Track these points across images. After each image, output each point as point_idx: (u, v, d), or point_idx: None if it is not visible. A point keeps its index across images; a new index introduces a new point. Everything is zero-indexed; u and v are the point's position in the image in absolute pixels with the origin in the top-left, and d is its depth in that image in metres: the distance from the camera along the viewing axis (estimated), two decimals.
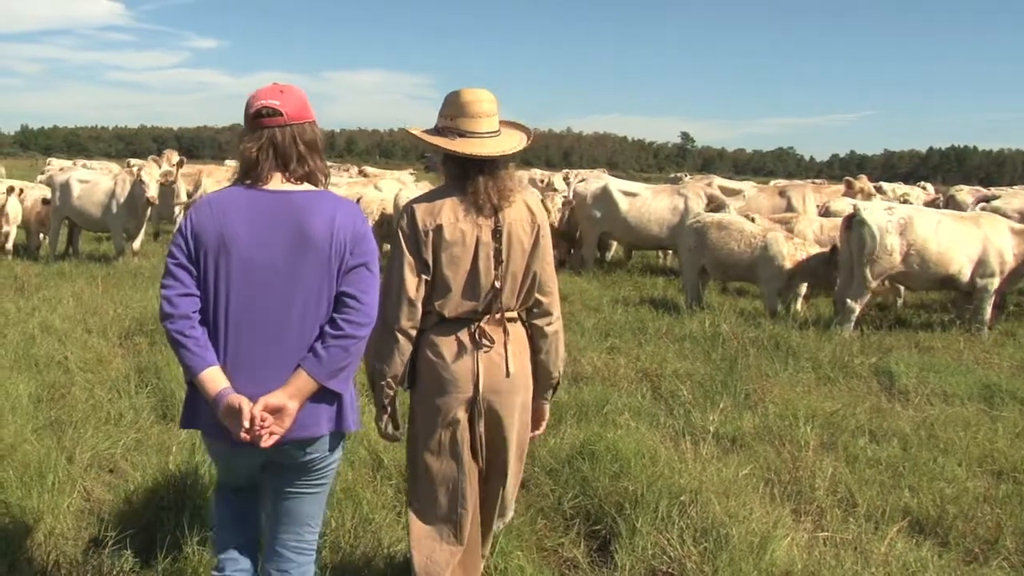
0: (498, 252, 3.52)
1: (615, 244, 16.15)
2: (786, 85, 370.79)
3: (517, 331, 3.68)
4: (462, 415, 3.61)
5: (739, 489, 5.02)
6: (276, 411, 2.94)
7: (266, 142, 3.06)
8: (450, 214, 3.49)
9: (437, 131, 3.56)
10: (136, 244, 14.12)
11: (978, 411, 6.92)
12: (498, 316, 3.59)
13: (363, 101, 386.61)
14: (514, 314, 3.66)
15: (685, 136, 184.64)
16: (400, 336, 3.49)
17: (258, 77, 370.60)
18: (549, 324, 3.73)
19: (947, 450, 5.97)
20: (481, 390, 3.57)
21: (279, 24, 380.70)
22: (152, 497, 4.77)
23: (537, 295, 3.68)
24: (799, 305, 11.35)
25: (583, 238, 14.77)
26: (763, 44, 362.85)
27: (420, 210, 3.51)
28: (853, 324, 9.95)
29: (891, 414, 6.83)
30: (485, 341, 3.57)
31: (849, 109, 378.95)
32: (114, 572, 4.10)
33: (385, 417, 3.69)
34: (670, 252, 15.47)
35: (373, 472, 5.28)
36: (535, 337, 3.74)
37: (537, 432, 3.97)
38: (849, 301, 9.99)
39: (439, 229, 3.47)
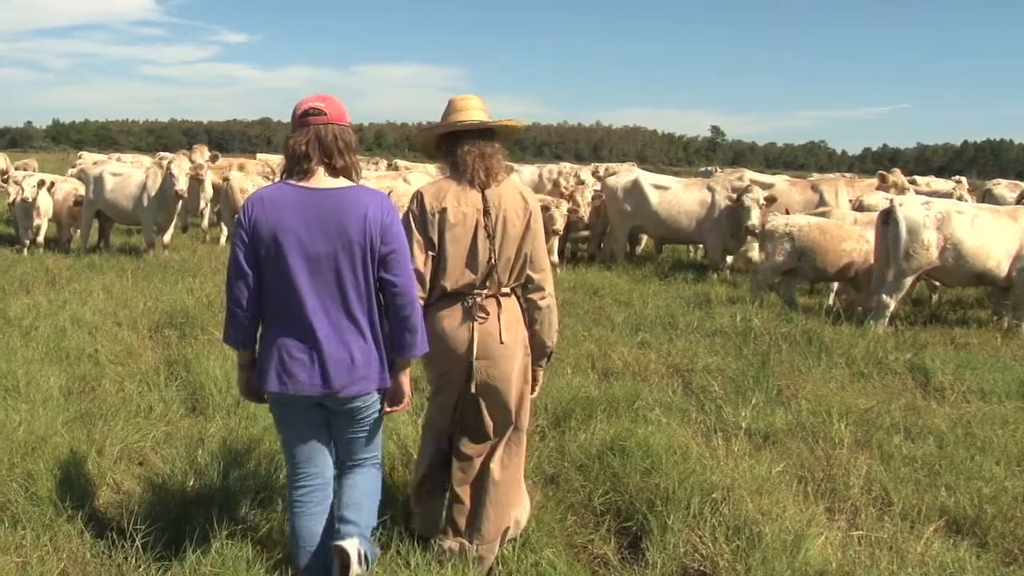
0: (489, 231, 4.06)
1: (645, 238, 16.05)
2: (818, 78, 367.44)
3: (511, 304, 4.19)
4: (459, 380, 4.15)
5: (772, 486, 4.96)
6: (401, 387, 3.85)
7: (313, 137, 3.65)
8: (453, 199, 4.06)
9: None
10: (166, 237, 14.17)
11: (1016, 408, 6.81)
12: (493, 290, 4.11)
13: (393, 95, 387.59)
14: (508, 289, 4.18)
15: (715, 130, 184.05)
16: None
17: (288, 71, 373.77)
18: (542, 299, 4.24)
19: (985, 448, 5.87)
20: (475, 355, 4.07)
21: (309, 18, 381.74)
22: (181, 490, 4.79)
23: (529, 272, 4.19)
24: (831, 300, 11.22)
25: (613, 232, 14.68)
26: (795, 37, 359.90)
27: (428, 195, 4.10)
28: (887, 320, 9.81)
29: (927, 411, 6.72)
30: (480, 313, 4.09)
31: (882, 102, 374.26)
32: (143, 566, 4.10)
33: None
34: (700, 247, 15.35)
35: (403, 468, 5.26)
36: (530, 310, 4.25)
37: (533, 395, 4.45)
38: (884, 296, 9.85)
39: (444, 211, 4.04)
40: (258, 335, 3.82)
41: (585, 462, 5.36)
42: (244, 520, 4.37)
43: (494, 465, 4.27)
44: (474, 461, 4.30)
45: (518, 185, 4.32)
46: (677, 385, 7.29)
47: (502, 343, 4.11)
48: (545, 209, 12.67)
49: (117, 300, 10.00)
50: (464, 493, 4.30)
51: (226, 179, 16.06)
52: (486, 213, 4.06)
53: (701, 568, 4.22)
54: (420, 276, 3.99)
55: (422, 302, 3.93)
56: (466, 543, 4.22)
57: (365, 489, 3.98)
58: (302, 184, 3.66)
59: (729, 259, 14.01)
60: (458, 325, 4.09)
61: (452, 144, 4.15)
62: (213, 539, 4.17)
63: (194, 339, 8.21)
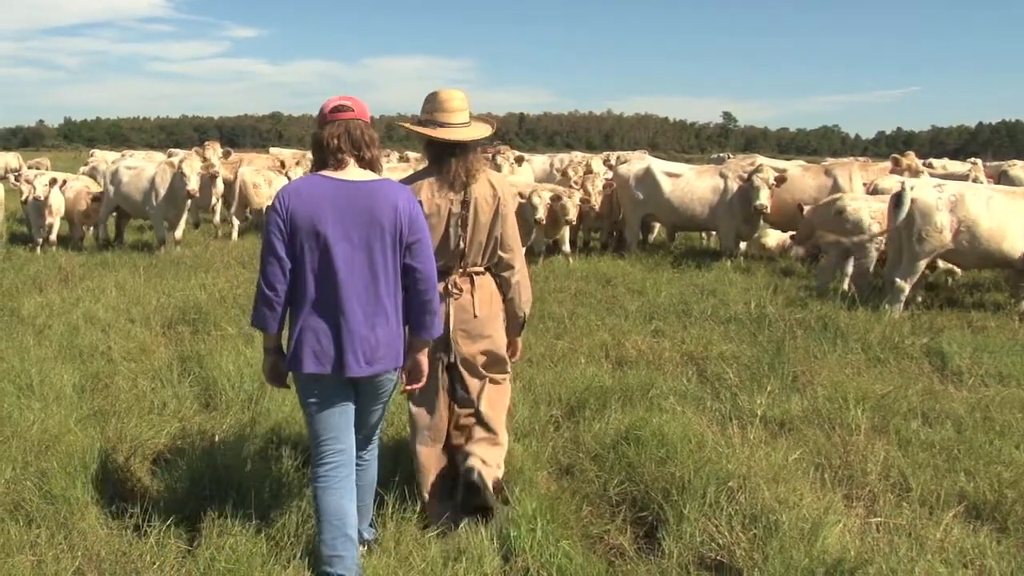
0: (464, 219, 4.44)
1: (658, 226, 15.98)
2: (830, 62, 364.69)
3: (484, 282, 4.60)
4: (440, 351, 4.52)
5: (788, 474, 4.93)
6: (420, 365, 4.16)
7: (344, 131, 3.94)
8: (427, 191, 4.42)
9: (421, 123, 4.48)
10: (178, 233, 14.21)
11: None
12: (463, 270, 4.53)
13: (404, 87, 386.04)
14: (480, 269, 4.59)
15: (727, 116, 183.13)
16: None
17: (298, 65, 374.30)
18: (512, 275, 4.66)
19: (1004, 432, 5.82)
20: (452, 327, 4.51)
21: (319, 12, 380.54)
22: (195, 486, 4.78)
23: (500, 252, 4.59)
24: (845, 285, 11.14)
25: (626, 220, 14.61)
26: (806, 21, 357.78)
27: None
28: (903, 304, 9.74)
29: (944, 396, 6.66)
30: (455, 290, 4.52)
31: (895, 85, 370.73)
32: (158, 562, 4.09)
33: None
34: (713, 233, 15.26)
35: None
36: (503, 286, 4.67)
37: (515, 359, 4.94)
38: (898, 281, 9.77)
39: (418, 204, 4.17)
40: (286, 321, 4.03)
41: (600, 452, 5.33)
42: (258, 516, 4.36)
43: (483, 407, 4.66)
44: (471, 426, 4.66)
45: (489, 175, 4.60)
46: (692, 373, 7.25)
47: (476, 317, 4.55)
48: (557, 199, 12.62)
49: (130, 297, 10.03)
50: (466, 446, 4.65)
51: (235, 175, 16.10)
52: (463, 203, 4.44)
53: (718, 557, 4.19)
54: None
55: None
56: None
57: (364, 487, 4.31)
58: (336, 176, 3.92)
59: (743, 245, 13.93)
60: None
61: (438, 147, 4.46)
62: (228, 535, 4.17)
63: (207, 335, 8.21)
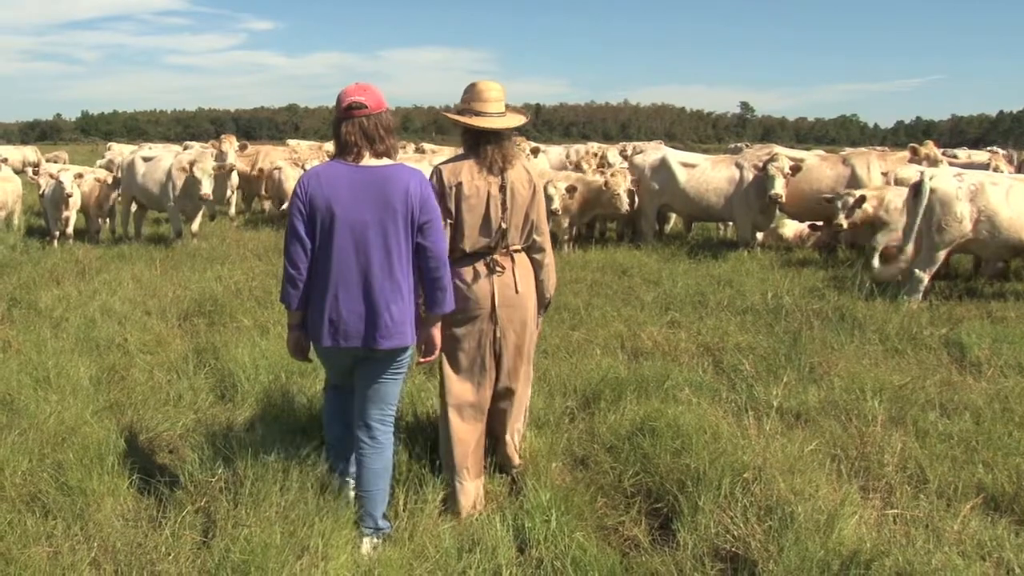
0: (504, 202, 4.71)
1: (674, 216, 15.90)
2: (849, 51, 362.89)
3: (522, 260, 4.88)
4: (485, 325, 4.78)
5: (804, 466, 4.89)
6: (433, 339, 4.48)
7: (357, 128, 4.23)
8: (468, 174, 4.69)
9: (459, 112, 4.77)
10: (195, 226, 14.20)
11: None
12: (506, 249, 4.78)
13: (420, 78, 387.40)
14: (519, 247, 4.85)
15: (744, 106, 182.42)
16: None
17: (314, 57, 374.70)
18: (544, 257, 4.96)
19: (1023, 424, 5.76)
20: (496, 304, 4.76)
21: (334, 3, 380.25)
22: (210, 478, 4.77)
23: (534, 236, 4.87)
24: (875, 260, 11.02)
25: (642, 210, 14.52)
26: (825, 9, 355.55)
27: (446, 171, 4.71)
28: (921, 294, 9.66)
29: (962, 387, 6.60)
30: (498, 268, 4.76)
31: (915, 74, 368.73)
32: (173, 553, 4.10)
33: None
34: (730, 224, 15.18)
35: (431, 451, 5.24)
36: (534, 266, 4.94)
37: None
38: (917, 271, 9.69)
39: (459, 185, 4.66)
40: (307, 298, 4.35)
41: (615, 443, 5.32)
42: (273, 507, 4.36)
43: (515, 385, 4.97)
44: (511, 389, 4.96)
45: (523, 162, 4.93)
46: (708, 364, 7.22)
47: (517, 292, 4.82)
48: (572, 189, 12.74)
49: (146, 289, 10.08)
50: (498, 418, 5.02)
51: (278, 168, 16.38)
52: (501, 188, 4.71)
53: (733, 549, 4.17)
54: None
55: None
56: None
57: (378, 471, 4.49)
58: (353, 163, 4.26)
59: (759, 236, 13.83)
60: (481, 280, 4.75)
61: (474, 135, 4.72)
62: (242, 526, 4.18)
63: (223, 327, 8.24)
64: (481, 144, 4.71)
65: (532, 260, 4.94)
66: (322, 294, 4.25)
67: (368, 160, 4.25)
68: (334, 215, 4.16)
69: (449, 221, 4.65)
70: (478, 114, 4.69)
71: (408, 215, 4.20)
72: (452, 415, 4.82)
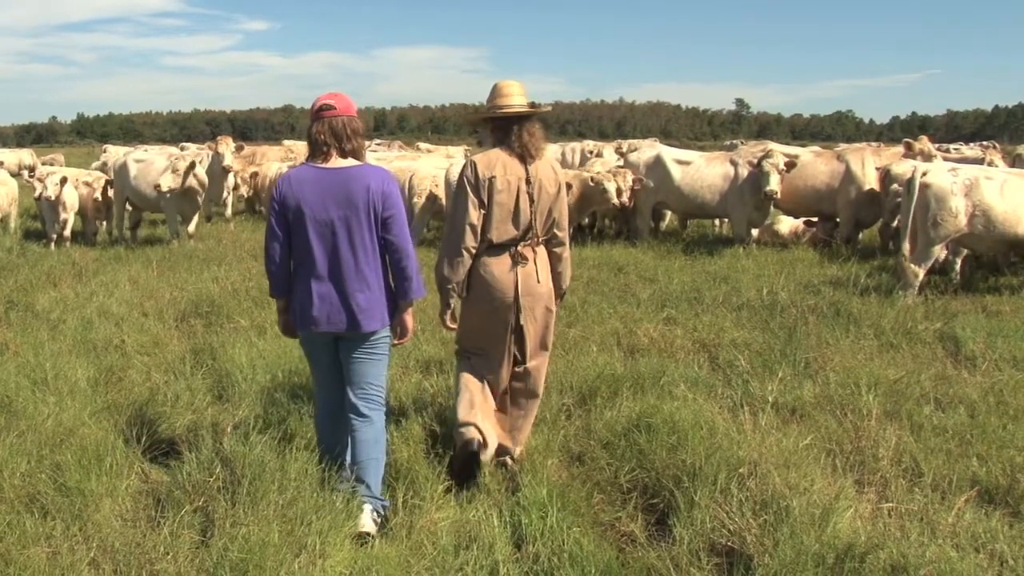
0: (531, 195, 5.01)
1: (669, 214, 15.92)
2: (844, 47, 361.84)
3: (543, 253, 5.19)
4: (509, 312, 5.07)
5: (800, 460, 4.91)
6: (405, 324, 4.80)
7: (327, 128, 4.57)
8: (501, 168, 4.99)
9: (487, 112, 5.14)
10: (191, 227, 14.22)
11: None
12: (531, 242, 5.09)
13: (415, 77, 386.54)
14: (540, 240, 5.14)
15: (740, 103, 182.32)
16: (465, 253, 4.98)
17: (309, 57, 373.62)
18: (563, 251, 5.30)
19: (1017, 417, 5.80)
20: (520, 292, 5.06)
21: (329, 3, 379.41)
22: (208, 478, 4.79)
23: (555, 230, 5.20)
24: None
25: (637, 208, 14.55)
26: (819, 5, 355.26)
27: (480, 164, 5.00)
28: (916, 289, 9.68)
29: (957, 381, 6.63)
30: (522, 259, 5.07)
31: (910, 69, 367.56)
32: (171, 553, 4.12)
33: (448, 312, 5.18)
34: (725, 220, 15.19)
35: (428, 448, 5.27)
36: (553, 260, 5.25)
37: None
38: (912, 266, 9.72)
39: (493, 179, 4.95)
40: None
41: (611, 440, 5.34)
42: (270, 506, 4.38)
43: (534, 372, 5.30)
44: (530, 374, 5.28)
45: (551, 160, 5.29)
46: (703, 360, 7.24)
47: (539, 283, 5.11)
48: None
49: (143, 291, 10.09)
50: (513, 402, 5.33)
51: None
52: (528, 182, 5.01)
53: (729, 543, 4.19)
54: (473, 228, 4.95)
55: (473, 251, 4.99)
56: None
57: (368, 442, 4.72)
58: (320, 165, 4.59)
59: (755, 232, 13.85)
60: (506, 270, 5.05)
61: (504, 125, 5.06)
62: (240, 525, 4.19)
63: (220, 328, 8.25)
64: (512, 130, 5.02)
65: (551, 253, 5.23)
66: (299, 286, 4.67)
67: (335, 161, 4.59)
68: (303, 214, 4.53)
69: (482, 211, 4.96)
70: (501, 107, 5.05)
71: (369, 212, 4.53)
72: (469, 381, 5.17)
